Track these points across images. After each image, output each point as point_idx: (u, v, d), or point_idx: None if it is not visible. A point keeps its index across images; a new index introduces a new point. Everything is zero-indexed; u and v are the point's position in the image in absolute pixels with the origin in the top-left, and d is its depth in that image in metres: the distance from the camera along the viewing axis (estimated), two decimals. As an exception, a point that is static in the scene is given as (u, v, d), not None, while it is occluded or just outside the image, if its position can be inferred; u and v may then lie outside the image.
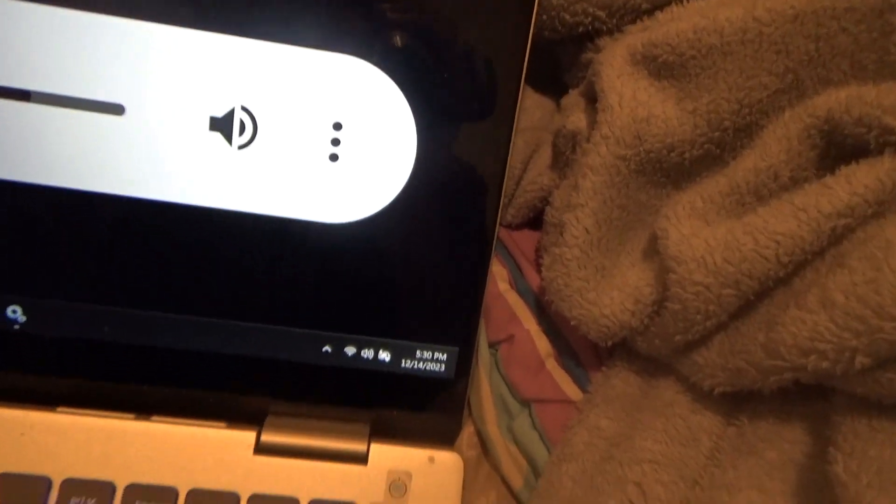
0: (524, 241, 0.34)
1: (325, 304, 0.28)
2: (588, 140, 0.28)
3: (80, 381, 0.28)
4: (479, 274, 0.29)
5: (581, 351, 0.29)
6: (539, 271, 0.32)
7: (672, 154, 0.26)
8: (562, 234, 0.26)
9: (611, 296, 0.26)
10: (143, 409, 0.28)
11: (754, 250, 0.22)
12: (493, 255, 0.28)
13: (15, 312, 0.27)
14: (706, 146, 0.26)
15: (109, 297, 0.27)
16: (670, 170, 0.27)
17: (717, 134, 0.25)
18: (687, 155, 0.26)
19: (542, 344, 0.30)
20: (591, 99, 0.32)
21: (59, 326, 0.27)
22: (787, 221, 0.22)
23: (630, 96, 0.26)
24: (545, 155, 0.35)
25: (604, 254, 0.26)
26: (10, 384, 0.27)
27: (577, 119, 0.30)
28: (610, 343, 0.27)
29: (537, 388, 0.29)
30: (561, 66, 0.37)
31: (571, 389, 0.29)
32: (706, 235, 0.23)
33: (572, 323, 0.27)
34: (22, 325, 0.27)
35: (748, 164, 0.24)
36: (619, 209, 0.26)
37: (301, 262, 0.27)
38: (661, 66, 0.26)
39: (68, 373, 0.28)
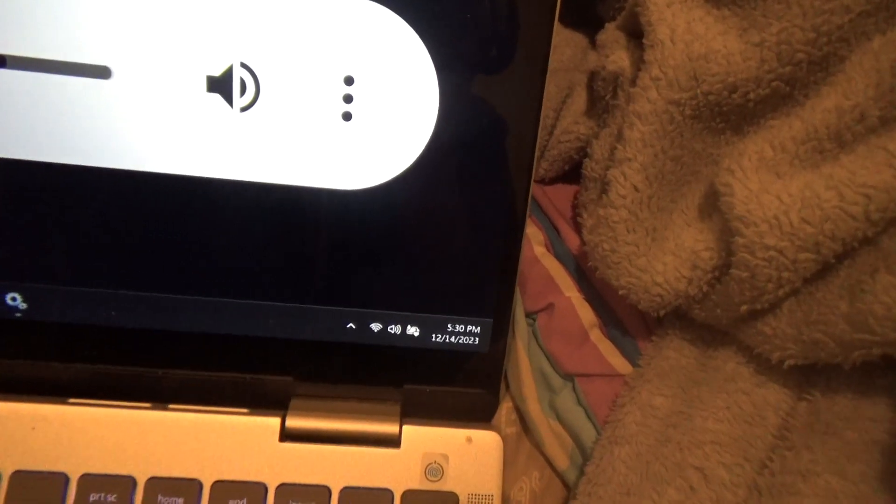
0: (560, 197, 0.31)
1: (345, 277, 0.26)
2: (634, 83, 0.24)
3: (91, 370, 0.26)
4: (512, 238, 0.26)
5: (628, 319, 0.27)
6: (578, 231, 0.29)
7: (734, 95, 0.22)
8: (606, 192, 0.23)
9: (664, 261, 0.23)
10: (159, 397, 0.26)
11: (839, 207, 0.19)
12: (527, 216, 0.26)
13: (15, 300, 0.25)
14: (774, 84, 0.22)
15: (113, 280, 0.25)
16: (731, 113, 0.23)
17: (787, 69, 0.22)
18: (752, 95, 0.22)
19: (585, 313, 0.27)
20: (634, 34, 0.28)
21: (62, 312, 0.25)
22: (879, 171, 0.18)
23: (684, 29, 0.22)
24: (579, 99, 0.31)
25: (655, 214, 0.23)
26: (17, 375, 0.26)
27: (618, 58, 0.27)
28: (662, 313, 0.24)
29: (581, 361, 0.26)
30: (594, -5, 0.33)
31: (619, 362, 0.26)
32: (779, 191, 0.20)
33: (620, 292, 0.24)
34: (23, 312, 0.25)
35: (828, 104, 0.20)
36: (671, 162, 0.23)
37: (316, 234, 0.25)
38: (719, -8, 0.23)
39: (77, 361, 0.26)
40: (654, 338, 0.26)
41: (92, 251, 0.25)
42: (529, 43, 0.24)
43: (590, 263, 0.26)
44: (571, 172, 0.31)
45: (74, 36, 0.22)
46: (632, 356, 0.26)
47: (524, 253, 0.26)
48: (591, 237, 0.24)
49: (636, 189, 0.23)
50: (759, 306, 0.21)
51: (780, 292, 0.21)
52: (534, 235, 0.29)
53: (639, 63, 0.26)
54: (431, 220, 0.26)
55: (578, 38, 0.34)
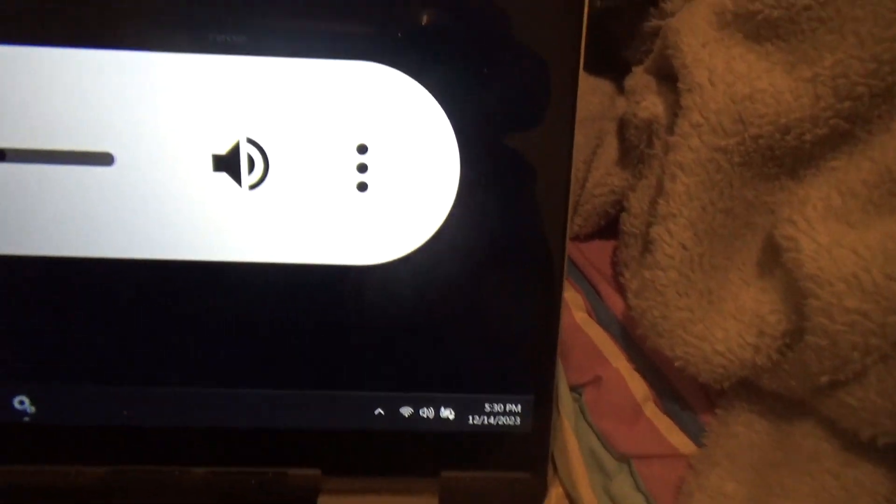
0: (597, 255, 0.29)
1: (369, 360, 0.24)
2: (671, 130, 0.22)
3: (104, 472, 0.24)
4: (550, 305, 0.24)
5: (686, 391, 0.24)
6: (622, 292, 0.27)
7: (787, 137, 0.20)
8: (651, 252, 0.21)
9: (724, 327, 0.20)
10: (177, 497, 0.24)
11: (931, 259, 0.16)
12: (565, 280, 0.23)
13: (22, 403, 0.23)
14: (832, 121, 0.20)
15: (125, 376, 0.23)
16: (785, 157, 0.21)
17: (846, 104, 0.19)
18: (808, 136, 0.20)
19: (637, 385, 0.24)
20: (665, 77, 0.26)
21: (73, 414, 0.24)
22: (975, 216, 0.16)
23: (724, 69, 0.20)
24: (611, 149, 0.29)
25: (708, 273, 0.20)
26: (26, 482, 0.24)
27: (650, 104, 0.25)
28: (727, 385, 0.21)
29: (636, 441, 0.23)
30: (616, 37, 0.32)
31: (680, 440, 0.23)
32: (854, 243, 0.17)
33: (676, 364, 0.21)
34: (32, 416, 0.24)
35: (901, 141, 0.18)
36: (721, 214, 0.21)
37: (335, 315, 0.23)
38: (760, 25, 0.20)
39: (89, 464, 0.24)
40: (718, 411, 0.23)
41: (102, 346, 0.23)
42: (555, 96, 0.22)
43: (639, 331, 0.23)
44: (608, 227, 0.29)
45: (73, 124, 0.21)
46: (694, 433, 0.23)
47: (564, 320, 0.24)
48: (637, 302, 0.22)
49: (684, 247, 0.20)
50: (841, 376, 0.18)
51: (868, 360, 0.18)
52: (573, 300, 0.27)
53: (674, 108, 0.24)
54: (459, 293, 0.23)
55: (604, 85, 0.32)
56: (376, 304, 0.23)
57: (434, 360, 0.24)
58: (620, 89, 0.31)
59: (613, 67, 0.32)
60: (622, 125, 0.29)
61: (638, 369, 0.25)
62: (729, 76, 0.20)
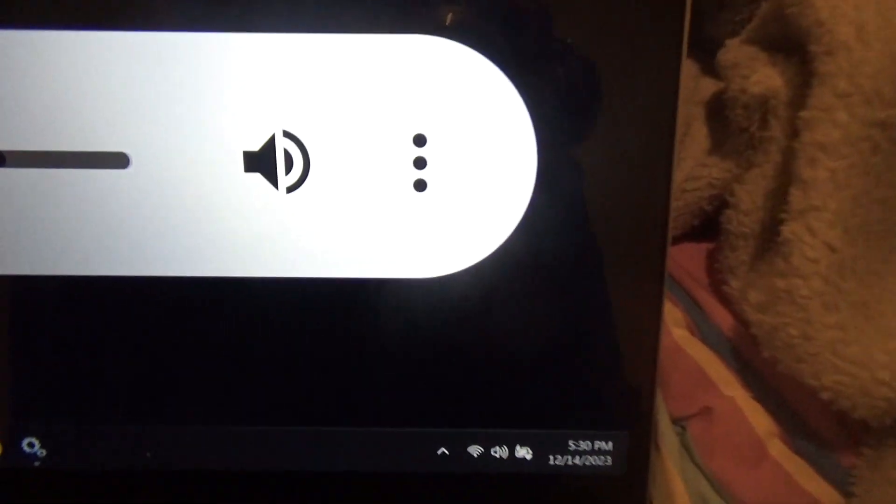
0: (691, 260, 0.24)
1: (429, 390, 0.20)
2: (801, 106, 0.18)
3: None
4: (648, 322, 0.20)
5: (824, 425, 0.19)
6: (726, 304, 0.22)
7: (965, 105, 0.16)
8: (785, 256, 0.17)
9: (887, 349, 0.16)
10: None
11: None
12: (665, 292, 0.19)
13: (32, 446, 0.20)
14: None
15: (146, 413, 0.20)
16: (956, 131, 0.16)
17: None
18: None
19: (758, 418, 0.20)
20: (774, 46, 0.22)
21: (89, 458, 0.20)
22: None
23: (877, 24, 0.16)
24: (700, 136, 0.25)
25: (863, 281, 0.16)
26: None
27: (764, 77, 0.20)
28: (888, 421, 0.17)
29: (762, 487, 0.19)
30: (697, 10, 0.27)
31: (818, 487, 0.19)
32: None
33: (823, 396, 0.17)
34: (42, 460, 0.20)
35: None
36: (879, 206, 0.16)
37: (387, 337, 0.19)
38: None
39: (109, 516, 0.21)
40: (865, 450, 0.19)
41: (121, 380, 0.20)
42: (654, 75, 0.18)
43: (765, 354, 0.19)
44: (702, 227, 0.25)
45: (80, 120, 0.18)
46: (837, 479, 0.19)
47: (662, 339, 0.20)
48: (764, 318, 0.18)
49: (832, 249, 0.16)
50: None
51: None
52: (670, 314, 0.22)
53: (797, 80, 0.19)
54: (535, 310, 0.20)
55: (686, 65, 0.27)
56: (436, 324, 0.19)
57: (507, 389, 0.20)
58: (704, 69, 0.27)
59: (695, 45, 0.28)
60: (715, 108, 0.25)
61: (758, 398, 0.20)
62: (886, 31, 0.16)
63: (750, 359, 0.20)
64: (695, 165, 0.23)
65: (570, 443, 0.21)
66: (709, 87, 0.26)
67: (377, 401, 0.20)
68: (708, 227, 0.24)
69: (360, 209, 0.19)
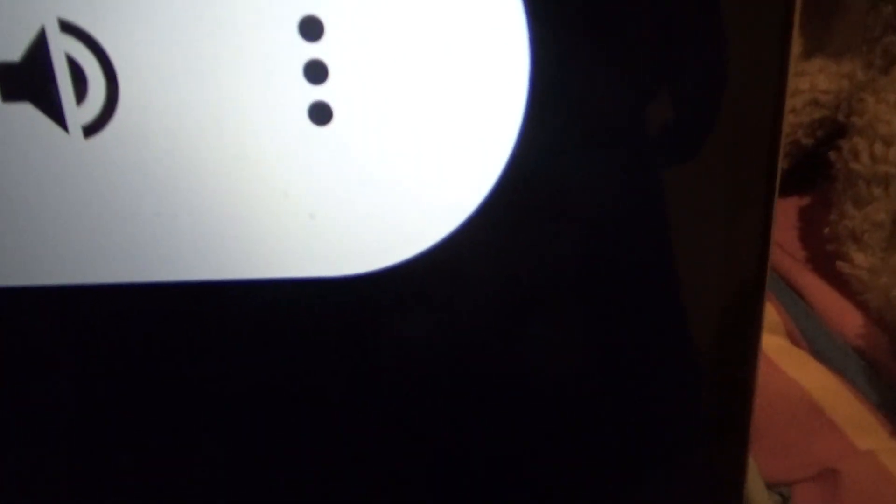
0: (782, 225, 0.16)
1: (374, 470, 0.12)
2: None
3: None
4: (732, 340, 0.12)
5: None
6: (844, 291, 0.14)
7: None
8: None
9: None
10: None
11: None
12: (765, 293, 0.11)
13: None
14: None
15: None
16: None
17: None
18: None
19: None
20: None
21: None
22: None
23: None
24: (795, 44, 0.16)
25: None
26: None
27: None
28: None
29: None
30: None
31: None
32: None
33: None
34: None
35: None
36: None
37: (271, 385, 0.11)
38: None
39: None
40: None
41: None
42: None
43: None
44: (792, 174, 0.16)
45: None
46: None
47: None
48: None
49: None
50: None
51: None
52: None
53: None
54: (518, 335, 0.12)
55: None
56: (342, 348, 0.12)
57: (489, 466, 0.12)
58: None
59: None
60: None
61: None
62: None
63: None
64: (790, 76, 0.15)
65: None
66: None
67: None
68: (803, 171, 0.16)
69: (209, 162, 0.10)
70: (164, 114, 0.10)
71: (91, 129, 0.10)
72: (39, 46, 0.10)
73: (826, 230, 0.14)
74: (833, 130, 0.15)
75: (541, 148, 0.10)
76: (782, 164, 0.17)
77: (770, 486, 0.14)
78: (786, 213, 0.16)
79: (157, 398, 0.12)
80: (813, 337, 0.14)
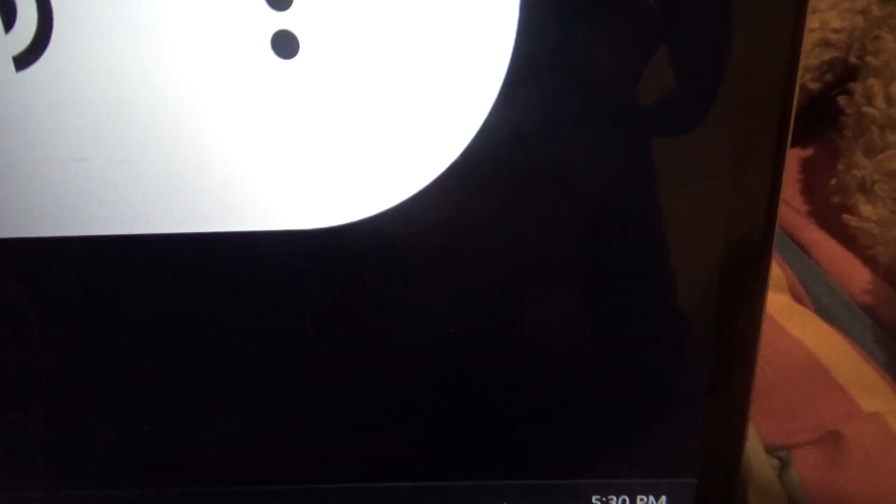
0: (791, 180, 0.15)
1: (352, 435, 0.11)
2: None
3: None
4: (735, 298, 0.11)
5: None
6: (851, 246, 0.13)
7: None
8: None
9: None
10: None
11: None
12: (772, 250, 0.10)
13: None
14: None
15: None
16: None
17: None
18: None
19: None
20: None
21: None
22: None
23: None
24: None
25: None
26: None
27: None
28: None
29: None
30: None
31: None
32: None
33: None
34: None
35: None
36: None
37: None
38: None
39: None
40: None
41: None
42: None
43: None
44: (796, 126, 0.15)
45: None
46: None
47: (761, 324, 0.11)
48: None
49: None
50: None
51: None
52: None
53: None
54: (510, 291, 0.11)
55: None
56: (328, 308, 0.11)
57: (496, 432, 0.11)
58: None
59: None
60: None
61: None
62: None
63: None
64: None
65: (595, 500, 0.12)
66: None
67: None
68: (808, 120, 0.15)
69: (160, 101, 0.09)
70: (104, 46, 0.09)
71: (23, 61, 0.09)
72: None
73: (833, 181, 0.13)
74: (843, 74, 0.14)
75: (526, 101, 0.09)
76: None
77: (769, 451, 0.13)
78: (790, 165, 0.15)
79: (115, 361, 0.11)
80: (818, 294, 0.13)
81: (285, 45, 0.09)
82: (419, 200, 0.10)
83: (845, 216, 0.13)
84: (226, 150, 0.10)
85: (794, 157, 0.16)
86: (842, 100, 0.13)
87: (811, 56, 0.14)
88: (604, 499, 0.12)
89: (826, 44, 0.14)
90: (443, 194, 0.10)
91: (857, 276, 0.13)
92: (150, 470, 0.12)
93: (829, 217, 0.14)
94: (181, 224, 0.10)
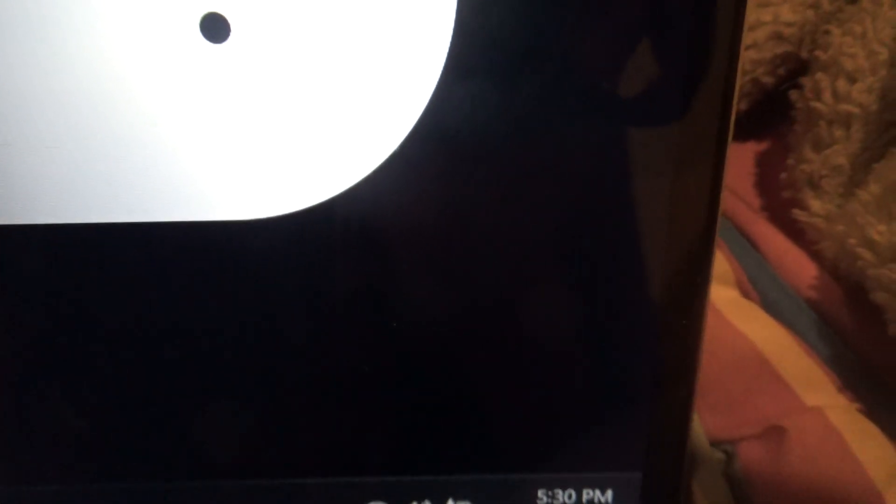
0: (737, 171, 0.15)
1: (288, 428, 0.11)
2: None
3: None
4: (676, 286, 0.11)
5: None
6: (799, 241, 0.13)
7: None
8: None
9: None
10: None
11: None
12: (714, 244, 0.10)
13: None
14: None
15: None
16: None
17: None
18: None
19: (871, 447, 0.11)
20: None
21: None
22: None
23: None
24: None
25: None
26: None
27: None
28: None
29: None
30: None
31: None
32: None
33: None
34: None
35: None
36: None
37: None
38: None
39: None
40: None
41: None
42: None
43: (893, 328, 0.10)
44: (749, 116, 0.15)
45: None
46: None
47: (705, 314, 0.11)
48: (881, 272, 0.08)
49: None
50: None
51: None
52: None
53: None
54: (457, 278, 0.11)
55: None
56: (274, 300, 0.10)
57: (425, 421, 0.11)
58: None
59: None
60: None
61: (869, 410, 0.11)
62: None
63: (854, 339, 0.12)
64: (751, 8, 0.14)
65: (541, 495, 0.12)
66: None
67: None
68: (762, 114, 0.15)
69: (88, 85, 0.09)
70: (27, 29, 0.09)
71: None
72: None
73: (782, 175, 0.14)
74: (796, 68, 0.14)
75: (467, 86, 0.09)
76: (740, 104, 0.16)
77: (715, 444, 0.13)
78: (742, 159, 0.15)
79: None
80: (764, 288, 0.13)
81: (215, 28, 0.09)
82: (360, 190, 0.10)
83: (794, 211, 0.13)
84: (155, 138, 0.09)
85: (748, 152, 0.16)
86: (793, 94, 0.13)
87: (764, 50, 0.14)
88: (550, 492, 0.12)
89: (779, 37, 0.13)
90: (385, 183, 0.10)
91: (803, 271, 0.13)
92: (110, 465, 0.11)
93: (781, 212, 0.14)
94: (110, 213, 0.10)
